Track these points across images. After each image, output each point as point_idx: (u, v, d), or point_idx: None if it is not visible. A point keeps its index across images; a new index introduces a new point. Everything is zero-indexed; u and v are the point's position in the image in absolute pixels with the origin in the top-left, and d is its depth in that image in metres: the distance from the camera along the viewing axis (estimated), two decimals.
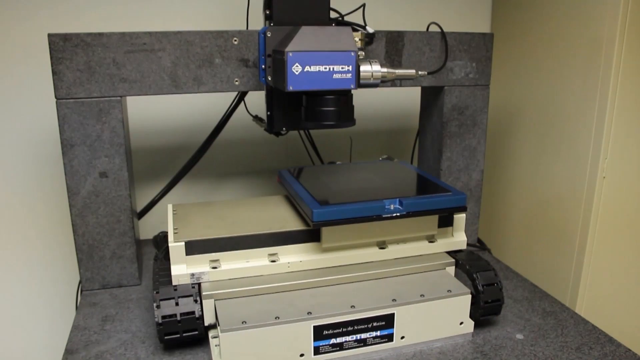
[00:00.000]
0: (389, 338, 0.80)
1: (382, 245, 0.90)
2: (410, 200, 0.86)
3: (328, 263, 0.87)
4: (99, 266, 0.99)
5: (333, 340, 0.77)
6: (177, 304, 0.77)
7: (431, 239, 0.93)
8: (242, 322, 0.73)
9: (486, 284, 0.85)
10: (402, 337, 0.81)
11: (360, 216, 0.83)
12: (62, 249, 1.31)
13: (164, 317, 0.76)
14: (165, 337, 0.77)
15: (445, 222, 0.94)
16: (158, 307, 0.76)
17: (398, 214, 0.85)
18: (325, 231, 0.85)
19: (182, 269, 0.81)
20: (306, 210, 0.84)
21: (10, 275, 1.30)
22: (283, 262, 0.85)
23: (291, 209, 0.96)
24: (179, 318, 0.77)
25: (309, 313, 0.76)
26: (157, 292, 0.79)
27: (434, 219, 0.91)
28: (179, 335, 0.77)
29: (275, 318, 0.74)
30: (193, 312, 0.77)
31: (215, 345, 0.78)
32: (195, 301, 0.78)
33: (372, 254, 0.89)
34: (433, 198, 0.88)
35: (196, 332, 0.78)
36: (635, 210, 1.15)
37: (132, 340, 0.84)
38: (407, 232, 0.91)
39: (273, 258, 0.86)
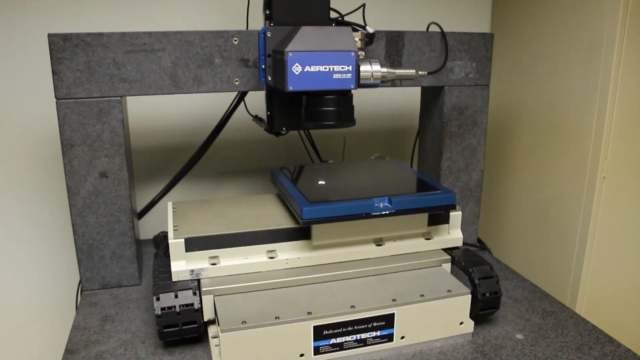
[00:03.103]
0: (389, 338, 0.80)
1: (378, 243, 0.91)
2: (399, 199, 0.86)
3: (325, 260, 0.88)
4: (99, 266, 0.99)
5: (333, 340, 0.77)
6: (176, 296, 0.78)
7: (427, 236, 0.94)
8: (242, 322, 0.73)
9: (482, 277, 0.85)
10: (402, 337, 0.81)
11: (349, 214, 0.83)
12: (62, 249, 1.31)
13: (163, 308, 0.77)
14: (165, 330, 0.77)
15: (442, 219, 0.94)
16: (158, 299, 0.77)
17: (387, 212, 0.85)
18: (316, 229, 0.86)
19: (181, 265, 0.83)
20: (296, 208, 0.85)
21: (10, 275, 1.30)
22: (281, 258, 0.86)
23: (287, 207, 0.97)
24: (178, 310, 0.77)
25: (309, 313, 0.76)
26: (157, 286, 0.80)
27: (424, 217, 0.92)
28: (178, 328, 0.78)
29: (275, 318, 0.75)
30: (192, 304, 0.78)
31: (215, 345, 0.78)
32: (195, 293, 0.79)
33: (369, 250, 0.90)
34: (422, 196, 0.89)
35: (195, 325, 0.78)
36: (635, 210, 1.15)
37: (132, 340, 0.84)
38: (397, 230, 0.91)
39: (271, 255, 0.86)
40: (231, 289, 0.82)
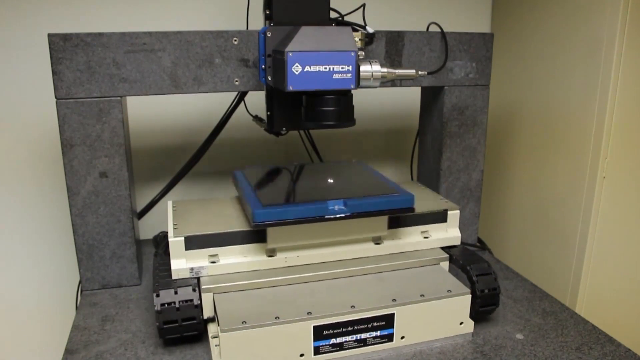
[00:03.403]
0: (389, 338, 0.80)
1: (377, 241, 0.92)
2: (355, 201, 0.85)
3: (324, 258, 0.89)
4: (99, 266, 0.99)
5: (333, 340, 0.77)
6: (175, 292, 0.79)
7: (425, 235, 0.94)
8: (242, 322, 0.73)
9: (480, 274, 0.86)
10: (402, 337, 0.81)
11: (302, 217, 0.83)
12: (62, 249, 1.31)
13: (162, 304, 0.77)
14: (165, 326, 0.77)
15: (440, 218, 0.95)
16: (157, 295, 0.78)
17: (342, 215, 0.84)
18: (270, 232, 0.85)
19: (181, 263, 0.83)
20: (249, 211, 0.84)
21: (10, 275, 1.30)
22: (280, 257, 0.86)
23: None
24: (177, 305, 0.78)
25: (309, 313, 0.76)
26: (157, 283, 0.80)
27: (383, 220, 0.91)
28: (177, 324, 0.78)
29: (275, 318, 0.75)
30: (191, 300, 0.79)
31: (215, 345, 0.78)
32: (194, 290, 0.79)
33: (368, 249, 0.91)
34: (379, 199, 0.87)
35: (195, 321, 0.79)
36: (635, 210, 1.15)
37: (132, 340, 0.84)
38: (354, 233, 0.90)
39: (271, 253, 0.87)
40: (230, 287, 0.82)
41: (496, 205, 1.47)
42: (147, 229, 1.24)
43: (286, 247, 0.88)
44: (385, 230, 0.92)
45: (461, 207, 1.16)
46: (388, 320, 0.79)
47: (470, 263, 0.88)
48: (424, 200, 1.02)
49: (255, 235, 0.86)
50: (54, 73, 0.88)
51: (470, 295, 0.83)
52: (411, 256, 0.92)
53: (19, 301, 1.32)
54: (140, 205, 1.23)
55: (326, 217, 0.84)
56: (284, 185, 0.98)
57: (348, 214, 0.84)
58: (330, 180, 0.98)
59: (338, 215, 0.84)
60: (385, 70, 0.88)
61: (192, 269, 0.83)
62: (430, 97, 1.15)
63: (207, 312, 0.82)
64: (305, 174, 1.05)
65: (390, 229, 0.93)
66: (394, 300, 0.80)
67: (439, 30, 1.05)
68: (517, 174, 1.38)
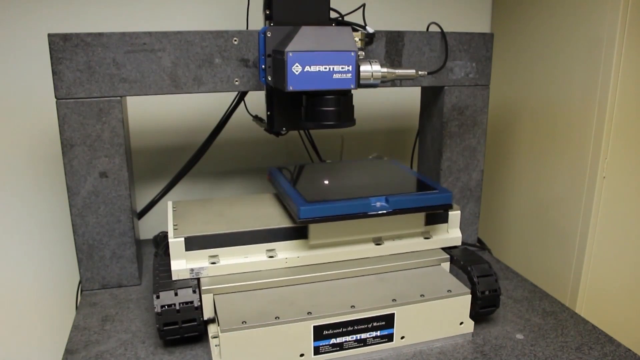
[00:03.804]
0: (389, 338, 0.80)
1: (377, 242, 0.91)
2: (396, 198, 0.86)
3: (324, 259, 0.88)
4: (99, 266, 0.99)
5: (333, 340, 0.77)
6: (176, 294, 0.79)
7: (426, 236, 0.94)
8: (242, 322, 0.73)
9: (481, 275, 0.86)
10: (402, 337, 0.81)
11: (346, 213, 0.84)
12: (62, 249, 1.31)
13: (162, 306, 0.77)
14: (165, 327, 0.77)
15: (441, 219, 0.95)
16: (157, 297, 0.78)
17: (384, 211, 0.85)
18: (313, 228, 0.86)
19: (181, 264, 0.83)
20: (293, 208, 0.85)
21: (10, 275, 1.30)
22: (280, 257, 0.86)
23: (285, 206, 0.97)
24: (177, 307, 0.78)
25: (309, 313, 0.76)
26: (157, 284, 0.80)
27: (421, 216, 0.92)
28: (178, 326, 0.78)
29: (275, 318, 0.75)
30: (192, 302, 0.78)
31: (215, 345, 0.78)
32: (194, 292, 0.79)
33: (368, 250, 0.91)
34: (419, 196, 0.89)
35: (195, 323, 0.78)
36: (635, 210, 1.15)
37: (132, 340, 0.84)
38: (394, 229, 0.92)
39: (271, 254, 0.87)
40: (231, 288, 0.82)
41: (496, 205, 1.47)
42: (147, 229, 1.24)
43: (327, 243, 0.88)
44: (422, 227, 0.93)
45: (461, 207, 1.16)
46: (388, 320, 0.79)
47: (471, 264, 0.88)
48: None
49: (256, 236, 0.86)
50: (54, 73, 0.88)
51: (470, 296, 0.83)
52: (412, 257, 0.92)
53: (19, 301, 1.32)
54: (140, 205, 1.23)
55: (369, 213, 0.84)
56: (322, 182, 0.99)
57: (390, 210, 0.85)
58: (368, 178, 1.00)
59: (380, 212, 0.85)
60: (385, 70, 0.88)
61: (192, 269, 0.83)
62: (430, 97, 1.15)
63: (207, 313, 0.82)
64: (340, 171, 1.07)
65: (427, 225, 0.94)
66: (394, 300, 0.80)
67: (439, 30, 1.05)
68: (517, 174, 1.38)
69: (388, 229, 0.91)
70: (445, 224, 0.96)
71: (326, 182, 0.99)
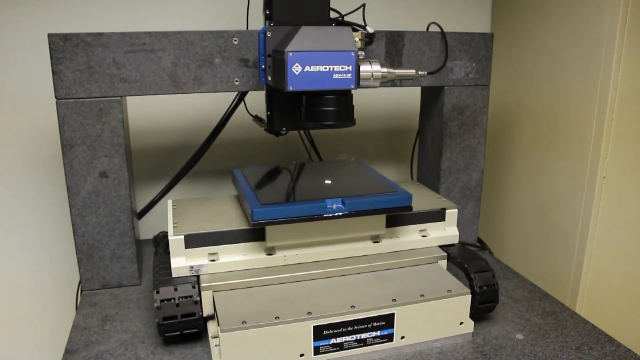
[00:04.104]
0: (389, 338, 0.80)
1: (375, 239, 0.92)
2: (353, 200, 0.86)
3: (323, 256, 0.89)
4: (99, 266, 0.99)
5: (333, 340, 0.77)
6: (175, 289, 0.79)
7: (423, 234, 0.95)
8: (242, 322, 0.73)
9: (478, 270, 0.86)
10: (402, 337, 0.81)
11: (301, 215, 0.83)
12: (62, 249, 1.31)
13: (162, 300, 0.77)
14: (164, 322, 0.77)
15: (438, 217, 0.96)
16: (157, 292, 0.78)
17: (340, 214, 0.84)
18: (269, 230, 0.86)
19: (181, 261, 0.84)
20: (248, 210, 0.85)
21: (10, 275, 1.30)
22: (279, 255, 0.87)
23: None
24: (177, 302, 0.78)
25: (309, 313, 0.76)
26: (157, 280, 0.80)
27: (381, 218, 0.91)
28: (177, 321, 0.78)
29: (275, 318, 0.75)
30: (191, 296, 0.79)
31: (215, 345, 0.78)
32: (193, 287, 0.80)
33: (366, 247, 0.91)
34: (377, 197, 0.88)
35: (194, 317, 0.79)
36: (635, 210, 1.15)
37: (132, 340, 0.84)
38: (352, 231, 0.91)
39: (270, 251, 0.87)
40: (230, 285, 0.83)
41: (496, 205, 1.47)
42: (147, 229, 1.24)
43: (285, 245, 0.88)
44: (383, 229, 0.92)
45: (461, 207, 1.16)
46: (388, 320, 0.79)
47: (468, 260, 0.88)
48: (422, 199, 1.02)
49: (255, 234, 0.87)
50: (54, 73, 0.88)
51: (470, 295, 0.83)
52: (410, 254, 0.92)
53: (19, 301, 1.32)
54: (140, 205, 1.23)
55: (324, 215, 0.84)
56: (282, 184, 0.99)
57: (346, 212, 0.85)
58: (328, 180, 0.98)
59: (336, 214, 0.84)
60: (385, 70, 0.88)
61: (191, 267, 0.84)
62: (430, 97, 1.15)
63: (207, 310, 0.82)
64: (303, 173, 1.06)
65: (389, 227, 0.93)
66: (394, 300, 0.80)
67: (439, 30, 1.05)
68: (517, 174, 1.38)
69: (347, 231, 0.90)
70: (442, 222, 0.96)
71: (287, 183, 0.98)
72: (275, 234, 0.86)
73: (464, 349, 0.82)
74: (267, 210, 0.82)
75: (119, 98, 0.92)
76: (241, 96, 1.17)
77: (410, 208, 0.88)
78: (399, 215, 0.93)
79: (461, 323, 0.84)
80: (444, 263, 0.93)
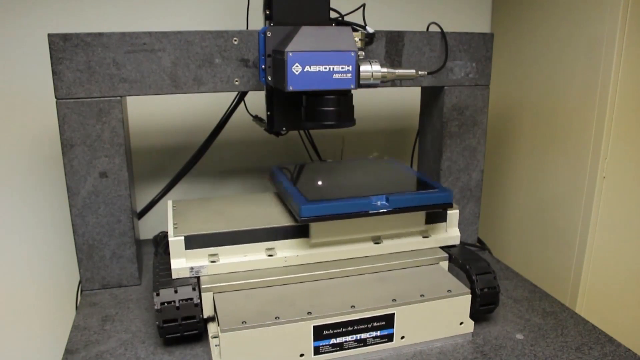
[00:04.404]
0: (389, 338, 0.80)
1: (376, 241, 0.92)
2: (397, 197, 0.87)
3: (323, 257, 0.89)
4: (99, 266, 0.99)
5: (333, 340, 0.77)
6: (175, 291, 0.79)
7: (425, 235, 0.95)
8: (242, 322, 0.73)
9: (479, 273, 0.86)
10: (402, 337, 0.81)
11: (347, 212, 0.84)
12: (62, 249, 1.31)
13: (162, 303, 0.77)
14: (164, 324, 0.77)
15: (439, 218, 0.95)
16: (157, 294, 0.78)
17: (385, 210, 0.86)
18: (314, 227, 0.86)
19: (181, 262, 0.83)
20: (294, 207, 0.85)
21: (10, 275, 1.30)
22: (280, 256, 0.87)
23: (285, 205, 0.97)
24: (177, 304, 0.78)
25: (309, 313, 0.76)
26: (157, 282, 0.80)
27: (421, 215, 0.93)
28: (177, 323, 0.78)
29: (275, 318, 0.75)
30: (191, 299, 0.79)
31: (215, 345, 0.78)
32: (194, 289, 0.80)
33: (367, 248, 0.91)
34: (420, 194, 0.90)
35: (195, 320, 0.79)
36: (635, 210, 1.15)
37: (132, 340, 0.84)
38: (394, 228, 0.92)
39: (270, 252, 0.87)
40: (230, 286, 0.82)
41: (496, 205, 1.47)
42: (147, 229, 1.24)
43: (328, 242, 0.88)
44: (423, 225, 0.94)
45: (461, 207, 1.16)
46: (388, 320, 0.79)
47: (470, 262, 0.88)
48: None
49: (255, 235, 0.86)
50: (54, 73, 0.88)
51: (470, 295, 0.83)
52: (411, 256, 0.92)
53: (19, 301, 1.32)
54: (140, 205, 1.23)
55: (370, 212, 0.85)
56: (323, 181, 1.00)
57: (390, 209, 0.86)
58: (369, 178, 1.00)
59: (381, 211, 0.85)
60: (385, 70, 0.88)
61: (192, 268, 0.83)
62: (430, 97, 1.15)
63: (207, 312, 0.82)
64: (341, 170, 1.07)
65: (427, 224, 0.94)
66: (394, 300, 0.80)
67: (439, 30, 1.05)
68: (517, 174, 1.38)
69: (388, 227, 0.92)
70: (444, 223, 0.96)
71: (327, 181, 0.99)
72: (320, 230, 0.87)
73: (464, 349, 0.82)
74: (314, 207, 0.82)
75: (119, 98, 0.92)
76: (241, 96, 1.17)
77: (451, 205, 0.90)
78: (438, 213, 0.95)
79: (461, 323, 0.84)
80: (445, 264, 0.93)
